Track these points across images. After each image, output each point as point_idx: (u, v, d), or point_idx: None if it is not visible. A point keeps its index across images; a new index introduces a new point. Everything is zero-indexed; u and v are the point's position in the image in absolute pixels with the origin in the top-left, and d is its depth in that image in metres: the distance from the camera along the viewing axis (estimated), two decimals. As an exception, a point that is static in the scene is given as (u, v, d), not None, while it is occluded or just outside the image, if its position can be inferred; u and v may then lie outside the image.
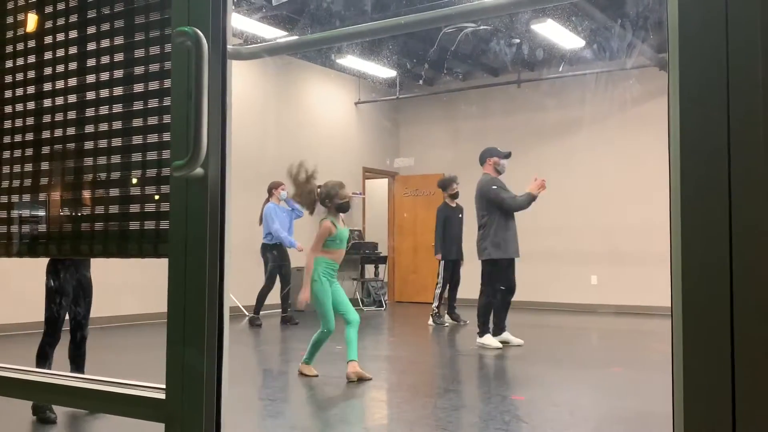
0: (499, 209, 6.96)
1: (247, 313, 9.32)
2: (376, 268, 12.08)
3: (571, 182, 10.58)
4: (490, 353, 6.78)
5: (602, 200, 10.74)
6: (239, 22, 9.17)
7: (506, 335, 7.13)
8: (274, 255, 8.71)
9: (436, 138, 12.67)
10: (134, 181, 1.61)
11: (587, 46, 9.96)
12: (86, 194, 1.69)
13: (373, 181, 13.27)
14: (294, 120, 11.26)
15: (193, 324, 1.44)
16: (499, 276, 7.02)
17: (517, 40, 10.09)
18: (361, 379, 5.30)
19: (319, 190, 5.64)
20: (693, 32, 1.01)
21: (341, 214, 5.59)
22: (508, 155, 7.24)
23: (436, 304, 8.98)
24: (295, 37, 3.86)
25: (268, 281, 8.80)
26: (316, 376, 5.44)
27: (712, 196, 0.99)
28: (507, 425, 4.12)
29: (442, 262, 8.99)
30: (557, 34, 9.60)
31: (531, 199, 6.82)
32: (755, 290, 0.95)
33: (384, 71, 11.88)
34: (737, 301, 0.96)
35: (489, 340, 7.01)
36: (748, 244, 0.96)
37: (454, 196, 9.02)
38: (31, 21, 1.84)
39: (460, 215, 8.98)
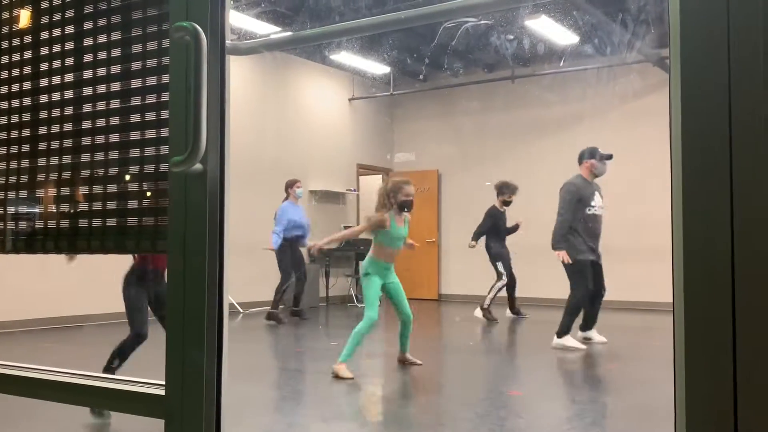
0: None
1: (241, 310, 9.32)
2: (371, 264, 12.06)
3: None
4: (487, 349, 6.79)
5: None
6: (234, 18, 9.15)
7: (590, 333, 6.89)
8: (286, 254, 8.66)
9: (431, 134, 12.67)
10: (130, 177, 1.60)
11: (582, 41, 9.97)
12: (84, 190, 1.69)
13: (368, 177, 13.26)
14: (289, 116, 11.25)
15: (193, 320, 1.43)
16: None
17: (512, 36, 10.08)
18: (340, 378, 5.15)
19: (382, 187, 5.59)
20: (694, 27, 1.01)
21: (404, 213, 5.48)
22: (609, 157, 6.88)
23: (489, 299, 8.79)
24: (293, 33, 3.84)
25: (283, 278, 8.76)
26: (352, 378, 5.18)
27: (714, 191, 0.99)
28: (503, 421, 4.13)
29: (500, 263, 8.83)
30: (551, 29, 9.61)
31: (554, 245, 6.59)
32: (757, 284, 0.95)
33: (378, 67, 11.87)
34: (739, 296, 0.96)
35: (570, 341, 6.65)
36: (749, 238, 0.96)
37: (507, 203, 8.86)
38: (28, 16, 1.82)
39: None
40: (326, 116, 12.06)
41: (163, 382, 1.47)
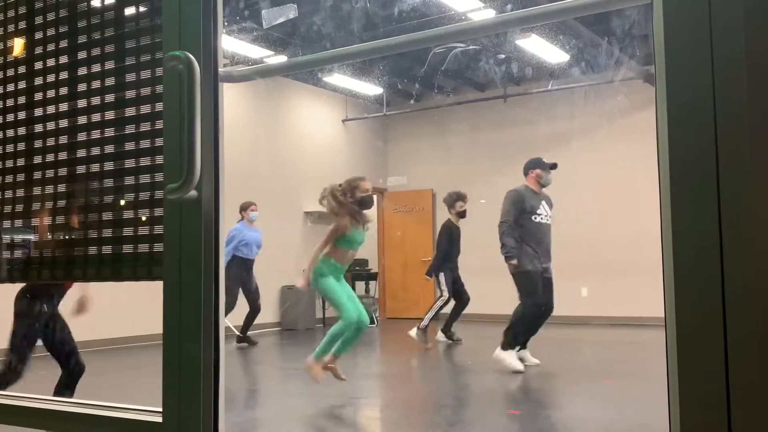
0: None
1: (237, 332, 9.28)
2: (367, 284, 12.07)
3: (559, 195, 10.63)
4: (483, 369, 6.76)
5: (590, 212, 10.79)
6: (227, 43, 9.20)
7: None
8: (232, 273, 8.41)
9: (424, 154, 12.72)
10: (125, 203, 1.61)
11: (573, 60, 10.05)
12: (79, 218, 1.69)
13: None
14: (283, 138, 11.28)
15: (189, 345, 1.44)
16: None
17: (503, 56, 10.16)
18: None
19: (340, 187, 5.28)
20: (678, 44, 1.03)
21: (365, 213, 5.24)
22: (553, 167, 6.79)
23: (429, 317, 8.55)
24: (286, 59, 3.86)
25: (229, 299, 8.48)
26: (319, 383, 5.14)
27: (702, 205, 1.00)
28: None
29: (441, 277, 8.61)
30: (542, 49, 9.70)
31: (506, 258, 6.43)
32: (747, 298, 0.96)
33: (371, 89, 11.94)
34: (729, 309, 0.98)
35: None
36: (738, 251, 0.97)
37: (461, 215, 8.62)
38: (22, 46, 1.84)
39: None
40: (320, 138, 12.10)
41: (160, 409, 1.47)
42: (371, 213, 5.69)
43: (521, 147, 11.15)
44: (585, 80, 10.56)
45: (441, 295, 8.66)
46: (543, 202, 6.68)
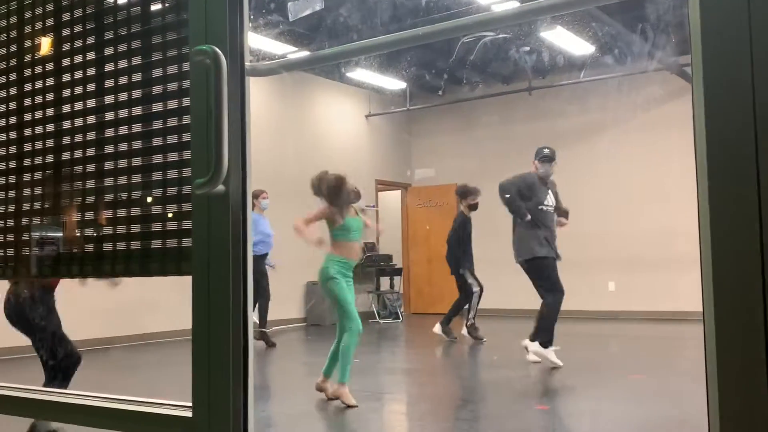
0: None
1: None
2: (392, 280, 12.07)
3: (586, 188, 10.55)
4: (510, 364, 6.72)
5: (619, 205, 10.69)
6: (253, 39, 9.21)
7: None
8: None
9: (448, 148, 12.67)
10: (153, 200, 1.61)
11: (600, 51, 9.94)
12: (108, 214, 1.70)
13: (386, 193, 13.27)
14: (307, 134, 11.30)
15: (218, 340, 1.43)
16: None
17: (528, 48, 10.08)
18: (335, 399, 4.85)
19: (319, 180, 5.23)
20: (715, 32, 1.01)
21: (352, 206, 5.18)
22: (548, 159, 6.65)
23: (473, 314, 8.47)
24: (311, 53, 3.84)
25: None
26: (356, 406, 4.82)
27: (741, 198, 0.98)
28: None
29: (467, 272, 8.55)
30: (566, 40, 9.61)
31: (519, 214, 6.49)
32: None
33: (394, 83, 11.92)
34: (771, 304, 0.95)
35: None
36: (779, 245, 0.95)
37: (473, 207, 8.65)
38: (49, 44, 1.85)
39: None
40: (343, 133, 12.11)
41: (190, 404, 1.47)
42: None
43: (550, 139, 11.01)
44: (613, 72, 10.43)
45: (474, 290, 8.55)
46: (550, 192, 6.68)
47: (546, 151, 6.70)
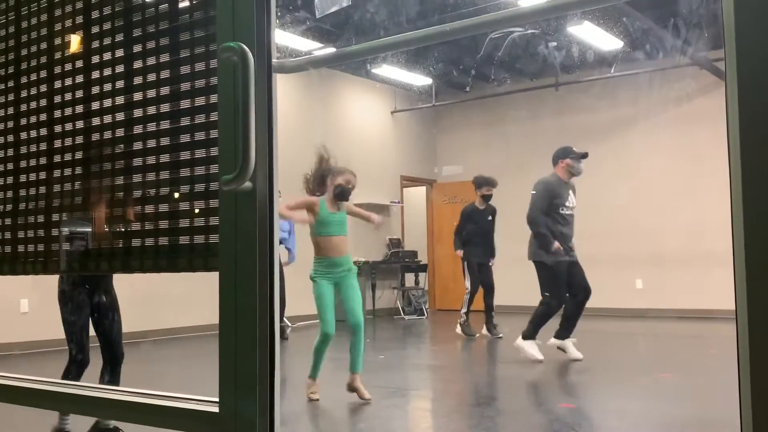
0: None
1: (290, 324, 9.36)
2: (417, 276, 12.05)
3: (614, 183, 10.45)
4: (526, 361, 6.66)
5: (646, 201, 10.57)
6: (279, 36, 9.23)
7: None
8: None
9: (475, 144, 12.61)
10: (181, 196, 1.62)
11: (628, 46, 9.83)
12: (136, 210, 1.71)
13: (411, 189, 13.25)
14: (333, 130, 11.32)
15: (245, 336, 1.44)
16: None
17: (555, 44, 10.00)
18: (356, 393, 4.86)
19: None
20: (750, 26, 0.99)
21: (341, 202, 5.15)
22: (583, 156, 6.63)
23: (464, 310, 8.46)
24: (337, 49, 3.85)
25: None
26: (317, 400, 4.92)
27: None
28: (556, 433, 4.06)
29: (466, 264, 8.61)
30: (594, 36, 9.51)
31: (547, 249, 6.40)
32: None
33: (420, 79, 11.89)
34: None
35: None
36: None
37: (486, 198, 8.64)
38: (78, 41, 1.87)
39: (490, 217, 8.70)
40: (369, 129, 12.11)
41: (217, 399, 1.48)
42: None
43: (580, 134, 10.94)
44: (643, 67, 10.31)
45: (467, 287, 8.58)
46: (570, 192, 6.59)
47: (575, 149, 6.66)
